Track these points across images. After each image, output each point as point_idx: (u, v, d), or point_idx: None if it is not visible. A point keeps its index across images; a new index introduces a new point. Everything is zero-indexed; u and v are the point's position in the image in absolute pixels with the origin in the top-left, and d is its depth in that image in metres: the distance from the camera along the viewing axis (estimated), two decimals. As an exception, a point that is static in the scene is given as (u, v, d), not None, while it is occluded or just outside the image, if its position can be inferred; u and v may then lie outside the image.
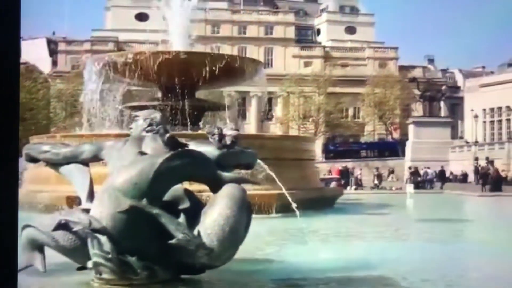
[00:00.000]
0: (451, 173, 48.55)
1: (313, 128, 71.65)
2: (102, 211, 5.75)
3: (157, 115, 6.90)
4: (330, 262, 7.66)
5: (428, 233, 13.32)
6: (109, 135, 14.63)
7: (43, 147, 7.11)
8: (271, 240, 10.99)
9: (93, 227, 5.68)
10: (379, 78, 74.01)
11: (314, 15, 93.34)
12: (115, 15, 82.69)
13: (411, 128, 55.81)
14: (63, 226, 5.92)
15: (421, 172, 42.42)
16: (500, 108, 66.86)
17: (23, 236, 5.81)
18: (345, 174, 42.81)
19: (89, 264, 5.90)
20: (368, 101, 74.58)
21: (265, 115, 74.54)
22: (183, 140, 6.61)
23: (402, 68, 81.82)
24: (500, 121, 68.03)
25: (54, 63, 78.53)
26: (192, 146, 6.43)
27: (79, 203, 6.61)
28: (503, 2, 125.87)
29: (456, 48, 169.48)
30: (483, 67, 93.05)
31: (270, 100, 75.24)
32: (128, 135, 7.00)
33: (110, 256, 5.73)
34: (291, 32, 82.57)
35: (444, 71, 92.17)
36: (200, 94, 23.99)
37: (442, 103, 65.53)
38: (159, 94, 22.34)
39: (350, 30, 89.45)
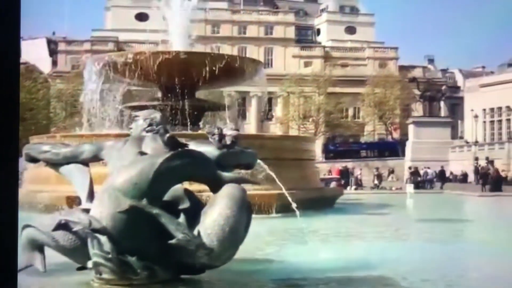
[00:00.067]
0: (451, 173, 48.54)
1: (313, 128, 71.63)
2: (102, 211, 5.75)
3: (157, 115, 6.90)
4: (330, 262, 7.66)
5: (428, 233, 13.32)
6: (109, 135, 14.62)
7: (43, 147, 7.10)
8: (271, 240, 10.99)
9: (93, 227, 5.68)
10: (379, 78, 74.01)
11: (314, 15, 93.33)
12: (115, 15, 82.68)
13: (411, 128, 55.81)
14: (63, 226, 5.92)
15: (421, 172, 42.41)
16: (500, 108, 66.86)
17: (23, 236, 5.81)
18: (345, 174, 42.80)
19: (89, 264, 5.90)
20: (368, 101, 74.58)
21: (265, 115, 74.52)
22: (183, 140, 6.61)
23: (402, 68, 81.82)
24: (500, 121, 68.03)
25: (54, 63, 78.51)
26: (192, 146, 6.43)
27: (79, 203, 6.61)
28: (503, 2, 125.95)
29: (456, 48, 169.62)
30: (483, 67, 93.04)
31: (270, 100, 75.22)
32: (128, 135, 7.00)
33: (110, 256, 5.73)
34: (291, 32, 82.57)
35: (444, 71, 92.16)
36: (200, 94, 23.99)
37: (442, 103, 65.51)
38: (159, 94, 22.34)
39: (350, 30, 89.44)
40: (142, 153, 6.24)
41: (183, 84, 20.12)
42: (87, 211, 5.97)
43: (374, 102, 73.68)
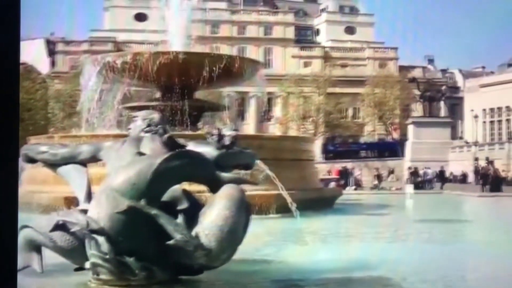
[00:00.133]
0: (451, 173, 48.57)
1: (312, 129, 71.63)
2: (100, 212, 5.74)
3: (156, 116, 6.88)
4: (329, 263, 7.65)
5: (427, 234, 13.31)
6: (108, 135, 14.60)
7: (40, 147, 7.08)
8: (270, 240, 10.97)
9: (91, 227, 5.66)
10: (379, 78, 74.04)
11: (314, 15, 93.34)
12: (114, 15, 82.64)
13: (410, 128, 55.83)
14: (61, 226, 5.91)
15: (421, 172, 42.44)
16: (500, 108, 66.95)
17: (21, 237, 5.79)
18: (344, 174, 42.84)
19: (87, 264, 5.88)
20: (368, 101, 74.60)
21: (265, 116, 74.53)
22: (181, 141, 6.60)
23: (402, 68, 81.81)
24: (500, 121, 68.11)
25: (53, 64, 78.48)
26: (191, 146, 6.42)
27: (77, 204, 6.59)
28: (503, 2, 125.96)
29: (456, 48, 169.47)
30: (483, 67, 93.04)
31: (269, 101, 75.20)
32: (127, 135, 6.98)
33: (108, 256, 5.71)
34: (290, 32, 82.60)
35: (444, 71, 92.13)
36: (200, 94, 23.98)
37: (442, 103, 65.49)
38: (158, 95, 22.33)
39: (350, 30, 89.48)
40: (140, 154, 6.22)
41: (182, 85, 20.12)
42: (85, 211, 5.95)
43: (374, 102, 73.72)
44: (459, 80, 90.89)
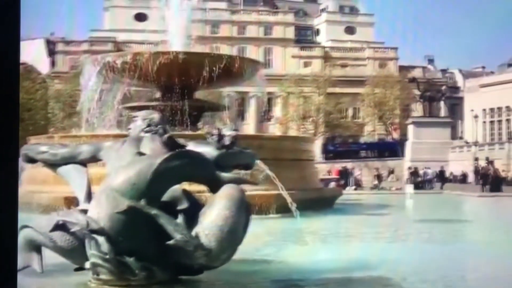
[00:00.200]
0: (451, 173, 48.56)
1: (312, 129, 71.63)
2: (100, 212, 5.73)
3: (156, 116, 6.88)
4: (329, 263, 7.65)
5: (427, 234, 13.31)
6: (108, 135, 14.59)
7: (40, 147, 7.08)
8: (270, 240, 10.96)
9: (91, 227, 5.66)
10: (379, 78, 74.03)
11: (314, 15, 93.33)
12: (114, 15, 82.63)
13: (410, 128, 55.82)
14: (61, 226, 5.91)
15: (421, 172, 42.43)
16: (500, 108, 66.95)
17: (21, 237, 5.79)
18: (344, 174, 42.84)
19: (87, 264, 5.88)
20: (368, 101, 74.60)
21: (265, 116, 74.52)
22: (182, 141, 6.60)
23: (402, 68, 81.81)
24: (500, 121, 68.11)
25: (53, 64, 78.46)
26: (191, 146, 6.42)
27: (77, 204, 6.59)
28: (503, 2, 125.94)
29: (456, 48, 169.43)
30: (483, 67, 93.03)
31: (269, 101, 75.17)
32: (127, 135, 6.98)
33: (108, 256, 5.71)
34: (290, 32, 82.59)
35: (444, 71, 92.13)
36: (200, 94, 23.98)
37: (442, 103, 65.49)
38: (158, 95, 22.33)
39: (350, 30, 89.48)
40: (140, 154, 6.22)
41: (182, 85, 20.12)
42: (85, 211, 5.95)
43: (374, 102, 73.71)
44: (459, 80, 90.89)
